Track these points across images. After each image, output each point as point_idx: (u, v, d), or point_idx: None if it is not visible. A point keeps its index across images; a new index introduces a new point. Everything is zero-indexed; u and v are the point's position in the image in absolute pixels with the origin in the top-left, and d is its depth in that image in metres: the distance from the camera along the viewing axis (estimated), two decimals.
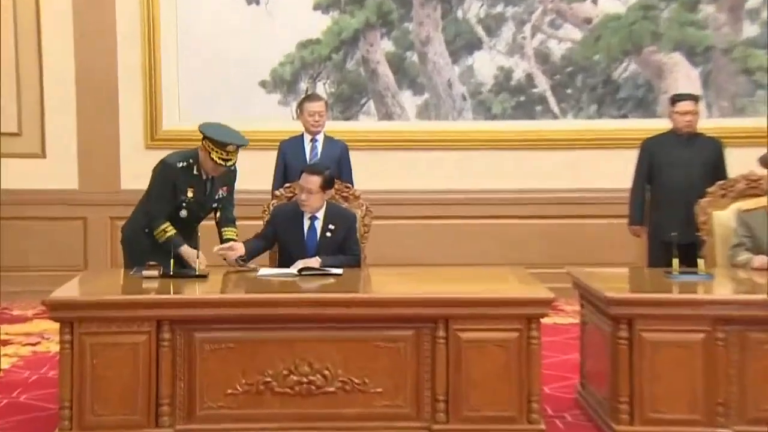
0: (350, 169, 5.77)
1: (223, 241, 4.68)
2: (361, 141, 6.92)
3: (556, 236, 7.23)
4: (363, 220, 4.95)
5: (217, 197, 4.68)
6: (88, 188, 7.29)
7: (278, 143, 5.89)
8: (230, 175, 4.72)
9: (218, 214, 4.74)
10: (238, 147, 4.48)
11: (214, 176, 4.60)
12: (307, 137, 5.78)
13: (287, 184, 5.07)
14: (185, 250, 4.47)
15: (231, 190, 4.76)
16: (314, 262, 4.44)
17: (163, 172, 4.58)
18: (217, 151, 4.43)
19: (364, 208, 4.99)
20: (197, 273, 4.22)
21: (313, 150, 5.75)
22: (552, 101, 7.41)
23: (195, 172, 4.57)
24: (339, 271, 4.32)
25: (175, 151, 4.76)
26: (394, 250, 6.75)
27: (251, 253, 4.54)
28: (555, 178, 7.30)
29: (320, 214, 4.61)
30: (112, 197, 7.09)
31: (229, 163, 4.50)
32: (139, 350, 3.67)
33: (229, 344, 3.73)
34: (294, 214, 4.61)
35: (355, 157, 5.91)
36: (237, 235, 4.72)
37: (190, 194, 4.57)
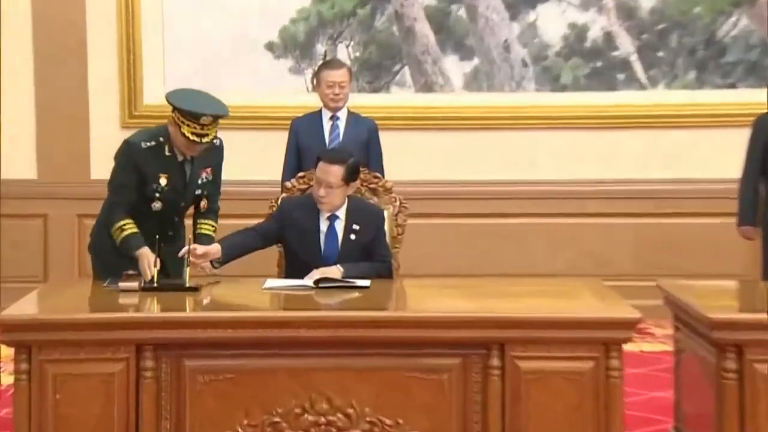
0: (380, 155, 5.81)
1: (195, 237, 4.67)
2: (394, 119, 6.96)
3: (644, 239, 7.21)
4: (395, 218, 4.97)
5: (200, 182, 4.69)
6: (50, 178, 7.36)
7: (290, 122, 5.93)
8: (214, 153, 4.71)
9: (202, 204, 4.75)
10: (216, 118, 4.46)
11: (194, 156, 4.60)
12: (326, 114, 5.81)
13: (301, 174, 5.10)
14: (143, 254, 4.43)
15: (216, 173, 4.76)
16: (334, 271, 4.46)
17: (124, 154, 4.61)
18: (188, 125, 4.40)
19: (397, 203, 5.00)
20: (187, 284, 4.25)
21: (333, 130, 5.79)
22: (638, 67, 7.38)
23: (167, 152, 4.57)
24: (365, 283, 4.34)
25: (143, 129, 4.79)
26: (434, 256, 6.77)
27: (233, 253, 4.51)
28: (642, 165, 7.28)
29: (341, 212, 4.63)
30: (80, 189, 7.14)
31: (205, 140, 4.47)
32: (114, 382, 3.69)
33: (228, 374, 3.75)
34: (309, 211, 4.63)
35: (386, 138, 5.94)
36: (215, 231, 4.75)
37: (163, 181, 4.57)
